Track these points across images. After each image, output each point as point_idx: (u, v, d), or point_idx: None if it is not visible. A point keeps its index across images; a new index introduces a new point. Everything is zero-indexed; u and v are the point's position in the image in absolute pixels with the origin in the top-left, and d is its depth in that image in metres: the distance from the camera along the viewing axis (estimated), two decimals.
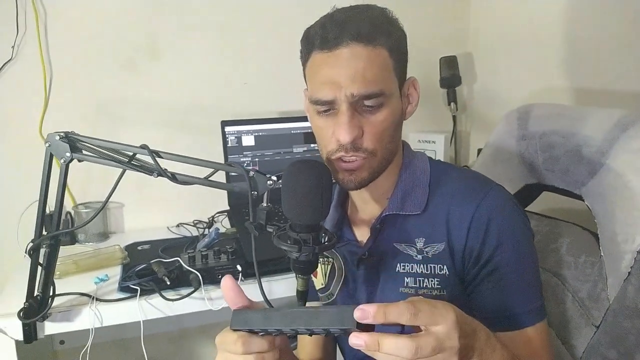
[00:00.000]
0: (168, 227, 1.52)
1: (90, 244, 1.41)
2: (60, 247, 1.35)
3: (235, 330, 0.59)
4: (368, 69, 0.69)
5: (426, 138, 1.70)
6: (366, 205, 0.84)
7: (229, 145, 1.44)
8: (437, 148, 1.68)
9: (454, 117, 1.75)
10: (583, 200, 0.91)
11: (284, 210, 0.71)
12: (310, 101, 0.74)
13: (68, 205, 1.47)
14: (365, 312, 0.48)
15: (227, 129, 1.44)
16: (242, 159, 1.45)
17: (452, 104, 1.72)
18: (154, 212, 1.57)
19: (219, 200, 1.51)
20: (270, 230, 0.76)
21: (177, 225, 1.54)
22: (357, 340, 0.49)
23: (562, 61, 1.36)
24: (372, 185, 0.77)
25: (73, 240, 1.43)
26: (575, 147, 0.91)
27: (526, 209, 1.04)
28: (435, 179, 0.80)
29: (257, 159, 1.47)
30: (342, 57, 0.69)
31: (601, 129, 0.88)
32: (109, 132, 1.45)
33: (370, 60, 0.69)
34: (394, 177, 0.81)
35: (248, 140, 1.45)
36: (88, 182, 1.47)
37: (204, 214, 1.55)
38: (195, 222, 1.53)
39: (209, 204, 1.54)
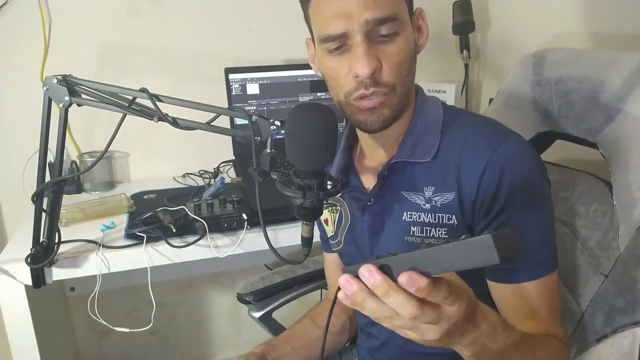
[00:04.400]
0: (174, 177, 1.52)
1: (97, 193, 1.42)
2: (67, 196, 1.38)
3: None
4: None
5: (436, 87, 1.65)
6: (375, 152, 0.81)
7: (233, 93, 1.40)
8: (447, 98, 1.63)
9: (466, 66, 1.69)
10: (597, 149, 0.88)
11: (287, 156, 0.70)
12: (320, 40, 0.70)
13: (73, 154, 1.47)
14: (414, 281, 0.43)
15: (231, 76, 1.40)
16: (246, 108, 1.42)
17: (464, 51, 1.65)
18: (159, 162, 1.56)
19: (225, 150, 1.49)
20: (274, 176, 0.75)
21: (183, 176, 1.53)
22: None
23: (582, 4, 1.29)
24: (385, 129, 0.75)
25: (79, 189, 1.43)
26: (591, 93, 0.88)
27: None
28: (447, 125, 0.77)
29: (262, 108, 1.44)
30: None
31: (620, 73, 0.84)
32: (112, 80, 1.42)
33: None
34: (406, 121, 0.78)
35: (253, 89, 1.42)
36: (93, 131, 1.46)
37: (210, 164, 1.54)
38: (201, 172, 1.53)
39: (215, 154, 1.53)
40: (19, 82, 1.37)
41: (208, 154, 1.53)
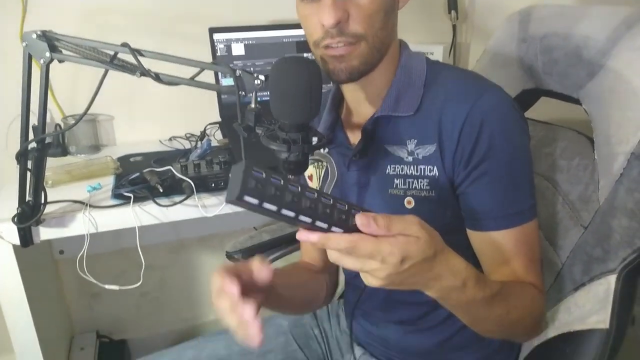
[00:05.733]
0: (160, 140, 1.50)
1: (82, 156, 1.40)
2: (52, 158, 1.37)
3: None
4: None
5: (424, 49, 1.63)
6: (360, 107, 0.82)
7: (218, 54, 1.38)
8: (434, 58, 1.62)
9: (454, 27, 1.68)
10: (581, 105, 0.89)
11: (272, 110, 0.69)
12: None
13: (57, 117, 1.45)
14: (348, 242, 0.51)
15: (216, 36, 1.38)
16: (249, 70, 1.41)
17: (452, 12, 1.64)
18: (145, 125, 1.54)
19: (211, 113, 1.48)
20: (259, 131, 0.75)
21: (170, 139, 1.52)
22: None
23: None
24: (367, 83, 0.75)
25: (65, 152, 1.41)
26: (575, 49, 0.88)
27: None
28: (430, 79, 0.77)
29: (247, 69, 1.41)
30: None
31: (604, 28, 0.84)
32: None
33: None
34: (390, 75, 0.78)
35: (238, 49, 1.40)
36: (76, 94, 1.43)
37: (196, 127, 1.52)
38: (188, 135, 1.51)
39: (201, 117, 1.51)
40: None
41: (194, 117, 1.52)
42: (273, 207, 0.47)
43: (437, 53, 1.62)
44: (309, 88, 0.66)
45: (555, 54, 0.92)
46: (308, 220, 0.50)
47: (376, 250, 0.51)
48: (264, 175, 0.47)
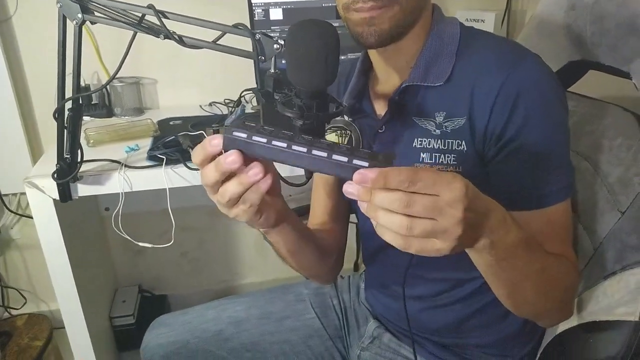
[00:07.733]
0: (200, 105, 1.53)
1: (126, 118, 1.46)
2: (98, 119, 1.43)
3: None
4: None
5: (474, 16, 1.55)
6: (388, 76, 0.78)
7: (256, 18, 1.37)
8: (486, 28, 1.54)
9: None
10: (631, 79, 0.81)
11: (287, 75, 0.68)
12: None
13: (103, 79, 1.50)
14: (364, 177, 0.47)
15: (254, 0, 1.36)
16: (270, 34, 1.39)
17: None
18: (187, 89, 1.58)
19: (249, 78, 1.48)
20: (277, 97, 0.74)
21: (210, 104, 1.54)
22: (350, 188, 0.48)
23: None
24: (396, 50, 0.72)
25: (110, 114, 1.47)
26: (630, 17, 0.80)
27: (569, 89, 0.96)
28: (464, 46, 0.73)
29: (285, 34, 1.40)
30: None
31: None
32: None
33: None
34: (421, 43, 0.74)
35: (276, 14, 1.38)
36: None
37: (235, 92, 1.54)
38: (226, 100, 1.53)
39: (240, 83, 1.52)
40: (48, 6, 1.39)
41: (234, 83, 1.52)
42: (262, 139, 0.49)
43: (489, 21, 1.53)
44: (325, 54, 0.64)
45: (606, 22, 0.84)
46: (303, 149, 0.49)
47: (439, 177, 0.46)
48: (255, 124, 0.51)
